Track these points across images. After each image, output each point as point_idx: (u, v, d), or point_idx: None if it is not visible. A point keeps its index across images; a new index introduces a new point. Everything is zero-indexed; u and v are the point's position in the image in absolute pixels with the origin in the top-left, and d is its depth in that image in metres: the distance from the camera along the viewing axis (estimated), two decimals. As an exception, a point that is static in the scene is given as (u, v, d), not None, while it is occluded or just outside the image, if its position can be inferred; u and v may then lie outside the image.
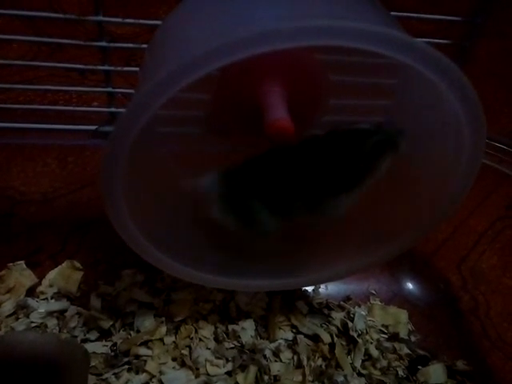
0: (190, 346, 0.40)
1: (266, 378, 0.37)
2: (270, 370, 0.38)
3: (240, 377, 0.37)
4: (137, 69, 0.35)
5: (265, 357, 0.39)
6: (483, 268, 0.53)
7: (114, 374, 0.37)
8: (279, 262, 0.38)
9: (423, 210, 0.37)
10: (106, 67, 0.37)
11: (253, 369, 0.37)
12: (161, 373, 0.38)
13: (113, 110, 0.40)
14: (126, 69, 0.35)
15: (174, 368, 0.38)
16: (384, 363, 0.41)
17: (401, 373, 0.41)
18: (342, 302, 0.46)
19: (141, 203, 0.35)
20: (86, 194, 0.55)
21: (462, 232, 0.56)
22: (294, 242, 0.38)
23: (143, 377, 0.37)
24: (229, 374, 0.38)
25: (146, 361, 0.38)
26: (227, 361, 0.39)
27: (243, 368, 0.38)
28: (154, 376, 0.38)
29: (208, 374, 0.38)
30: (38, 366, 0.30)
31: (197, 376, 0.38)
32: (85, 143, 0.37)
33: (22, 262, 0.44)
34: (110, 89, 0.38)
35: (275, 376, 0.38)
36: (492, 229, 0.57)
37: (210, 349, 0.40)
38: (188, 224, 0.39)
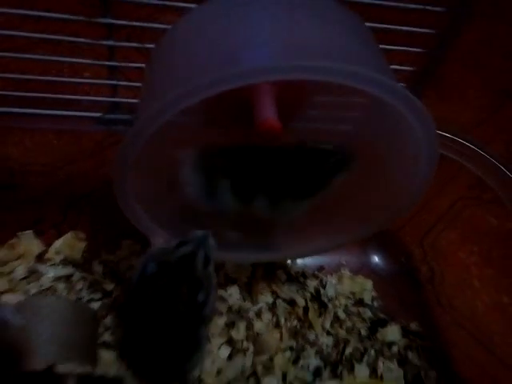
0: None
1: (250, 333, 0.44)
2: (253, 328, 0.45)
3: (233, 331, 0.43)
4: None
5: (248, 317, 0.46)
6: (442, 243, 0.60)
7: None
8: (265, 239, 0.44)
9: (395, 197, 0.42)
10: (110, 42, 0.37)
11: (242, 324, 0.43)
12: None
13: (114, 82, 0.41)
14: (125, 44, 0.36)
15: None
16: (349, 324, 0.48)
17: (363, 332, 0.48)
18: (316, 272, 0.52)
19: (143, 185, 0.39)
20: (82, 166, 0.59)
21: (427, 211, 0.62)
22: (279, 223, 0.43)
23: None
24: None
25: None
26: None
27: (232, 324, 0.44)
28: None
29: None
30: (57, 324, 0.35)
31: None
32: (90, 129, 0.41)
33: (31, 231, 0.48)
34: (114, 62, 0.39)
35: (257, 333, 0.44)
36: (453, 208, 0.63)
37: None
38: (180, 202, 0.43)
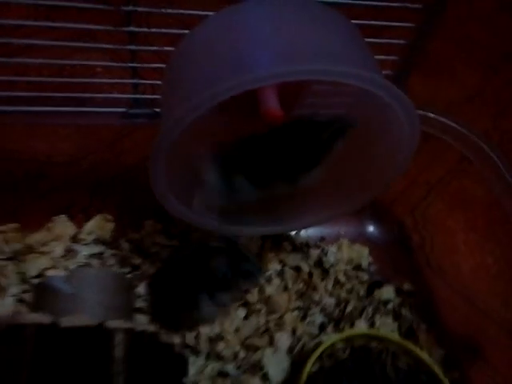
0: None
1: (262, 296, 0.50)
2: (265, 292, 0.51)
3: (248, 295, 0.50)
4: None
5: (261, 283, 0.52)
6: (432, 213, 0.66)
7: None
8: (273, 213, 0.50)
9: (382, 172, 0.48)
10: (132, 46, 0.42)
11: (255, 289, 0.50)
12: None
13: (136, 81, 0.46)
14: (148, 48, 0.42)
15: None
16: (349, 286, 0.54)
17: (361, 293, 0.55)
18: (318, 242, 0.58)
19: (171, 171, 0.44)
20: (103, 156, 0.64)
21: (417, 183, 0.68)
22: (284, 199, 0.49)
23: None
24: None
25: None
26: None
27: (246, 290, 0.50)
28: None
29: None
30: (100, 291, 0.41)
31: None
32: (116, 123, 0.46)
33: (64, 215, 0.54)
34: (135, 64, 0.44)
35: (269, 296, 0.51)
36: (442, 180, 0.69)
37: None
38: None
